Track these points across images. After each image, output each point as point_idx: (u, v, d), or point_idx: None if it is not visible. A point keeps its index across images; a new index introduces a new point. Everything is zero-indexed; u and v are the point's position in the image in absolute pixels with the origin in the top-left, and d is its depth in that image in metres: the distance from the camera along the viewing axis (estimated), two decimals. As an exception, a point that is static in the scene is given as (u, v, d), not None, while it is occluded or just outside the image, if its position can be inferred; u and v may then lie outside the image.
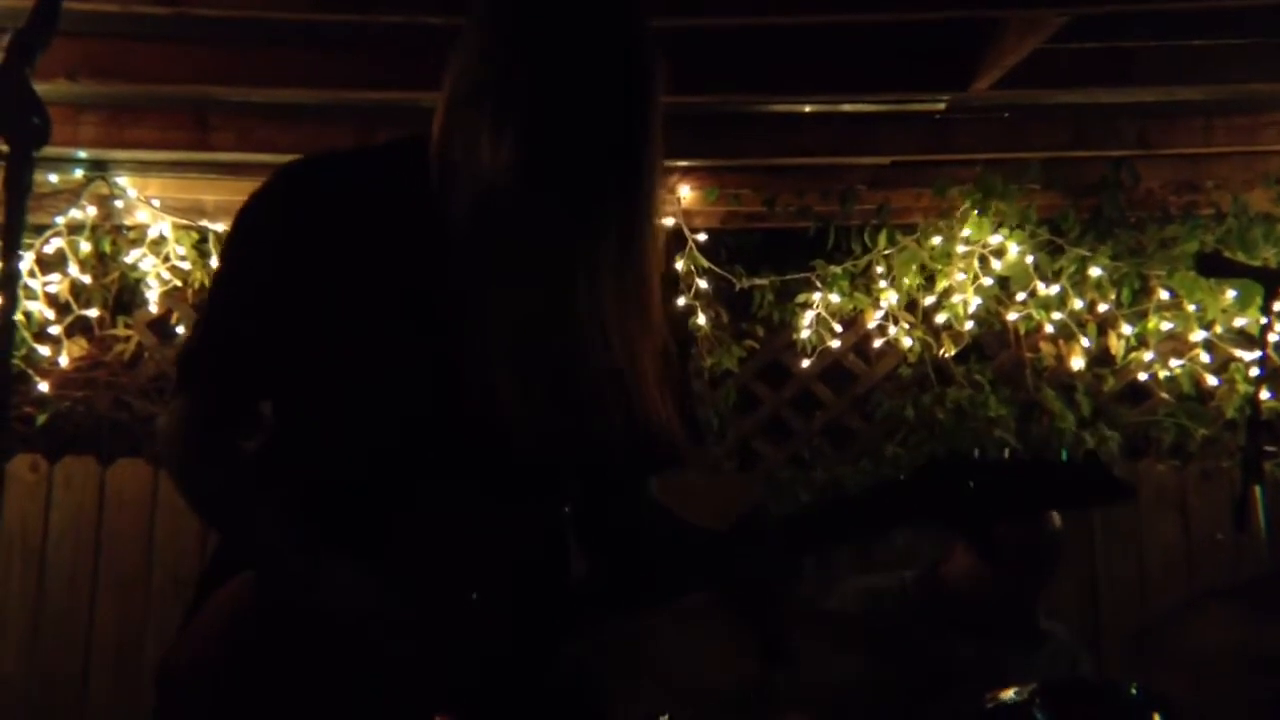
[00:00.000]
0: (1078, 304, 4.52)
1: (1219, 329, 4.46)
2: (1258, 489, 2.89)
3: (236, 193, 4.46)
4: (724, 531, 1.71)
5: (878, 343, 4.65)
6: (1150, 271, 4.52)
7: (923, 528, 1.67)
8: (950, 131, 4.27)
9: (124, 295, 4.57)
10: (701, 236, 4.56)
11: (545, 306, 1.61)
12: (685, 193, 4.48)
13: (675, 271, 2.05)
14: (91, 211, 4.40)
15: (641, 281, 1.65)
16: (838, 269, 4.55)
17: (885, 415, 4.62)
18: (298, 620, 1.61)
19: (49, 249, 4.41)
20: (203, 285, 4.41)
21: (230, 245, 1.77)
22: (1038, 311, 4.51)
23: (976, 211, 4.42)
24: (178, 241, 4.46)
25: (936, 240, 4.51)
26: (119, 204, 4.43)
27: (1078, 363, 4.58)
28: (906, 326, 4.58)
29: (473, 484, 1.66)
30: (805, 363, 4.64)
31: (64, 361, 4.46)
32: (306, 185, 1.70)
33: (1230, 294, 4.37)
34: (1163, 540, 4.57)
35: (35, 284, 4.38)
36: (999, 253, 4.47)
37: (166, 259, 4.46)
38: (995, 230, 4.43)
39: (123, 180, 4.41)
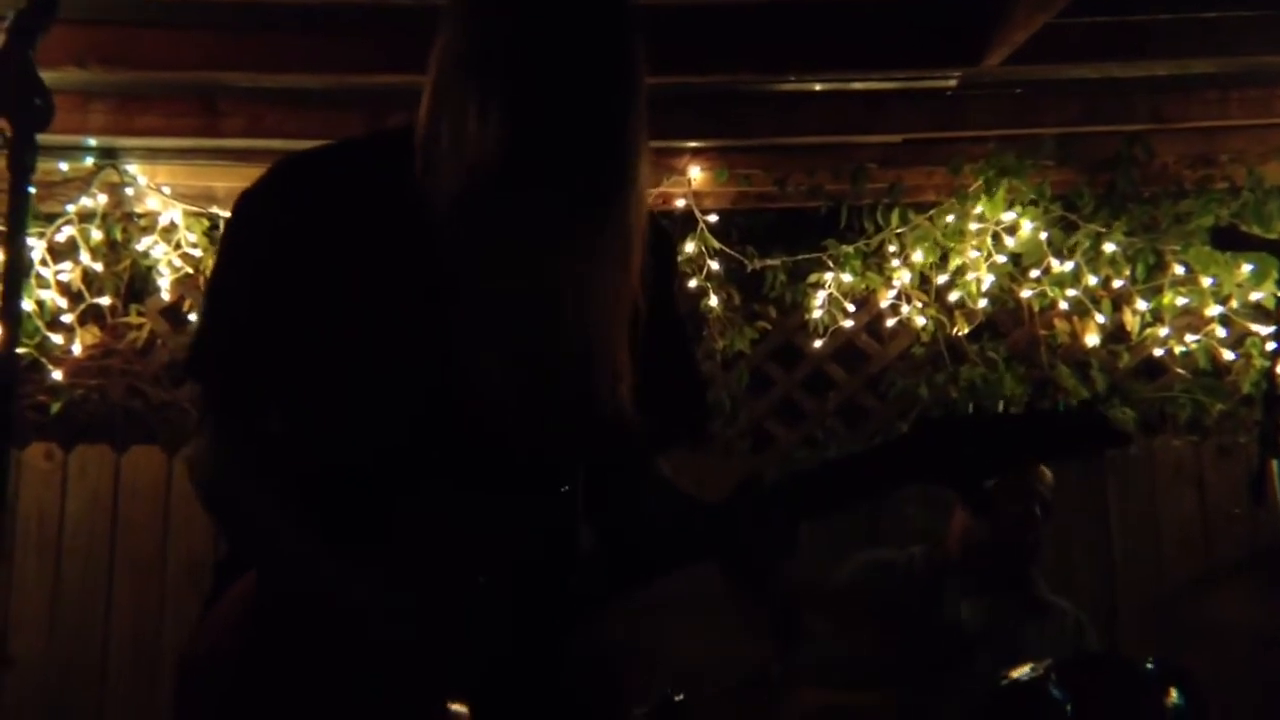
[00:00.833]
0: (1092, 280, 4.49)
1: (1235, 303, 4.43)
2: (1274, 463, 2.87)
3: (246, 179, 4.32)
4: (718, 502, 1.70)
5: (891, 322, 4.63)
6: (1165, 246, 4.49)
7: (918, 487, 1.66)
8: (962, 108, 4.24)
9: (136, 283, 4.57)
10: (712, 218, 4.54)
11: (535, 287, 1.60)
12: (695, 174, 4.46)
13: (674, 254, 2.03)
14: (102, 199, 4.40)
15: (626, 258, 1.63)
16: (850, 248, 4.53)
17: (899, 395, 4.60)
18: (312, 612, 1.61)
19: (60, 237, 4.40)
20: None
21: (224, 247, 1.76)
22: (1052, 288, 4.48)
23: (989, 188, 4.39)
24: (188, 228, 4.46)
25: (949, 218, 4.48)
26: (129, 191, 4.43)
27: (1092, 339, 4.56)
28: (920, 305, 4.56)
29: (473, 473, 1.65)
30: (818, 343, 4.62)
31: (77, 350, 4.46)
32: (297, 182, 1.69)
33: (1246, 268, 4.34)
34: (1179, 516, 4.55)
35: (47, 272, 4.37)
36: (1012, 230, 4.44)
37: (178, 246, 4.46)
38: (1008, 207, 4.40)
39: (133, 168, 4.40)
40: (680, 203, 4.47)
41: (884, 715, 3.20)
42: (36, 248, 4.34)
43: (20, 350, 4.25)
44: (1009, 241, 4.46)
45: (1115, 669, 3.06)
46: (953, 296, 4.54)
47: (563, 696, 1.71)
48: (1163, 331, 4.52)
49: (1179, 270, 4.48)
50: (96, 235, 4.42)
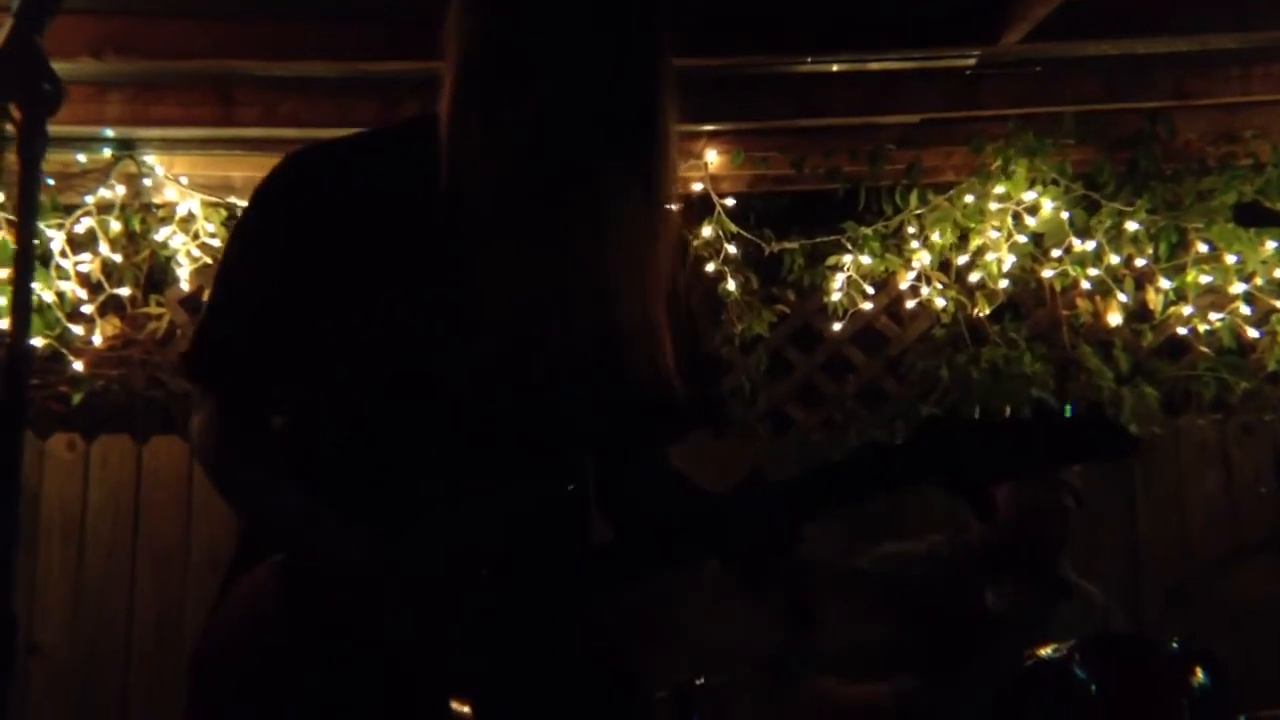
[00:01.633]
0: (1114, 259, 4.45)
1: (1259, 280, 4.39)
2: (1300, 441, 2.85)
3: (263, 169, 4.36)
4: (720, 498, 1.70)
5: (910, 304, 4.60)
6: (1188, 224, 4.45)
7: (921, 489, 1.65)
8: (981, 87, 4.21)
9: (155, 273, 4.57)
10: (729, 201, 4.51)
11: (574, 273, 1.60)
12: (712, 157, 4.43)
13: (687, 238, 2.03)
14: (120, 190, 4.40)
15: (663, 242, 1.65)
16: (868, 230, 4.50)
17: (919, 377, 4.57)
18: (322, 605, 1.61)
19: (79, 229, 4.40)
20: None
21: (236, 236, 1.76)
22: (1074, 268, 4.45)
23: (1009, 168, 4.36)
24: (206, 219, 4.46)
25: (969, 198, 4.45)
26: (147, 182, 4.42)
27: (1115, 319, 4.52)
28: (940, 286, 4.53)
29: (487, 461, 1.66)
30: (837, 326, 4.59)
31: (97, 340, 4.47)
32: (310, 173, 1.69)
33: (1270, 245, 4.31)
34: (1204, 495, 4.52)
35: (67, 264, 4.38)
36: (1033, 209, 4.41)
37: (196, 236, 4.46)
38: (1029, 186, 4.37)
39: (150, 158, 4.40)
40: (697, 186, 4.45)
41: (900, 703, 3.19)
42: (56, 239, 4.35)
43: (41, 342, 4.34)
44: (1030, 221, 4.42)
45: (1139, 649, 3.04)
46: (973, 277, 4.50)
47: (571, 687, 1.71)
48: (1186, 310, 4.48)
49: (1202, 248, 4.44)
50: (115, 226, 4.42)
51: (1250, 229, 4.05)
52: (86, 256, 4.41)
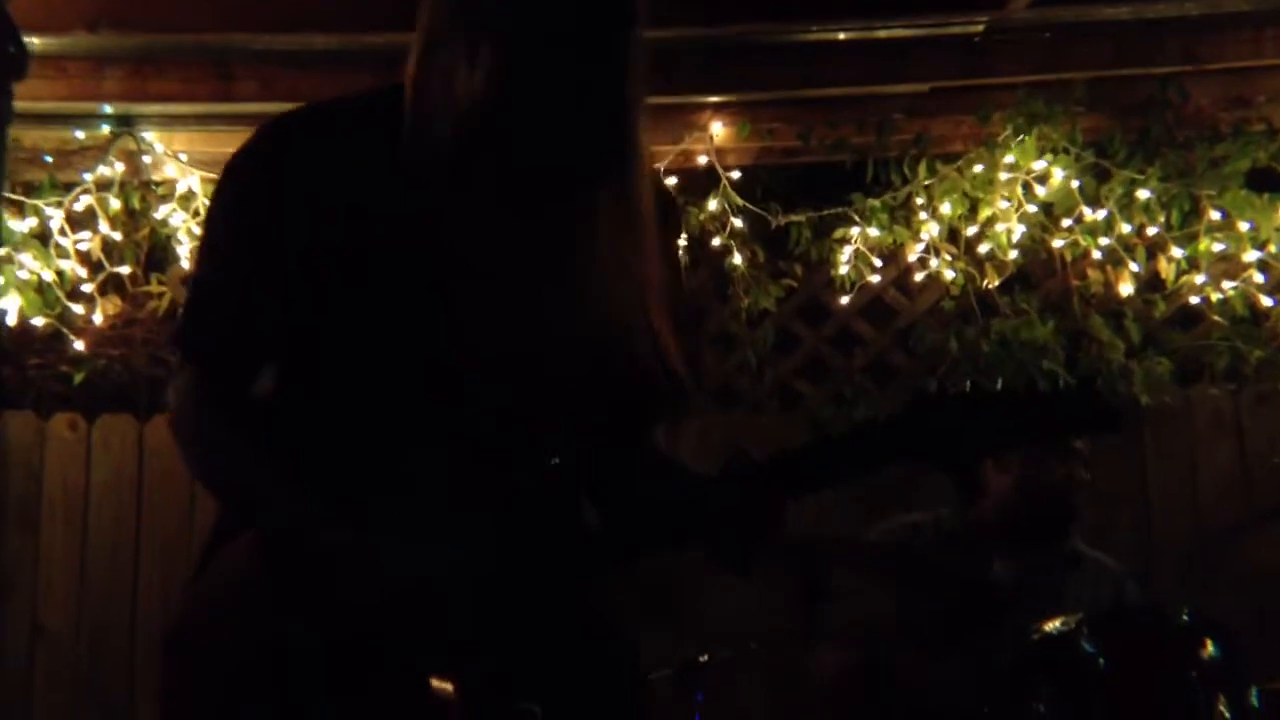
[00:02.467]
0: (1126, 228, 4.38)
1: (1273, 248, 4.32)
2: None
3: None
4: (701, 480, 1.69)
5: (919, 276, 4.53)
6: (1200, 192, 4.37)
7: (910, 467, 1.62)
8: (989, 55, 4.17)
9: (156, 252, 4.54)
10: (735, 174, 4.45)
11: (531, 242, 1.58)
12: (717, 130, 4.38)
13: (678, 211, 2.01)
14: (119, 168, 4.36)
15: (629, 215, 1.61)
16: (876, 202, 4.43)
17: (928, 350, 4.51)
18: (301, 582, 1.59)
19: (78, 206, 4.37)
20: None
21: (212, 211, 1.74)
22: (1084, 237, 4.38)
23: (1019, 136, 4.30)
24: (207, 196, 4.42)
25: (978, 168, 4.38)
26: (147, 159, 4.39)
27: (1127, 288, 4.45)
28: (948, 258, 4.47)
29: (465, 437, 1.63)
30: (844, 299, 4.53)
31: (98, 319, 4.44)
32: (282, 144, 1.67)
33: (1284, 211, 4.24)
34: (1217, 464, 4.46)
35: (66, 242, 4.35)
36: (1043, 178, 4.34)
37: (196, 214, 4.42)
38: (1039, 155, 4.31)
39: (149, 135, 4.36)
40: (702, 159, 4.39)
41: (910, 675, 3.16)
42: (55, 217, 4.32)
43: (42, 321, 4.31)
44: (1040, 190, 4.36)
45: (1148, 621, 3.01)
46: (983, 248, 4.44)
47: (558, 665, 1.68)
48: (1199, 279, 4.41)
49: (1215, 215, 4.36)
50: (115, 204, 4.38)
51: (1263, 195, 3.99)
52: (86, 235, 4.38)
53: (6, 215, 4.21)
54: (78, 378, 4.45)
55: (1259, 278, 4.35)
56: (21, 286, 4.29)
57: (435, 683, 1.55)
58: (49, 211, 4.31)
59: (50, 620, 4.32)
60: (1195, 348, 4.50)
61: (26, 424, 4.45)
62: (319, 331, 1.63)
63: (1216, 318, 4.45)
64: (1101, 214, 4.36)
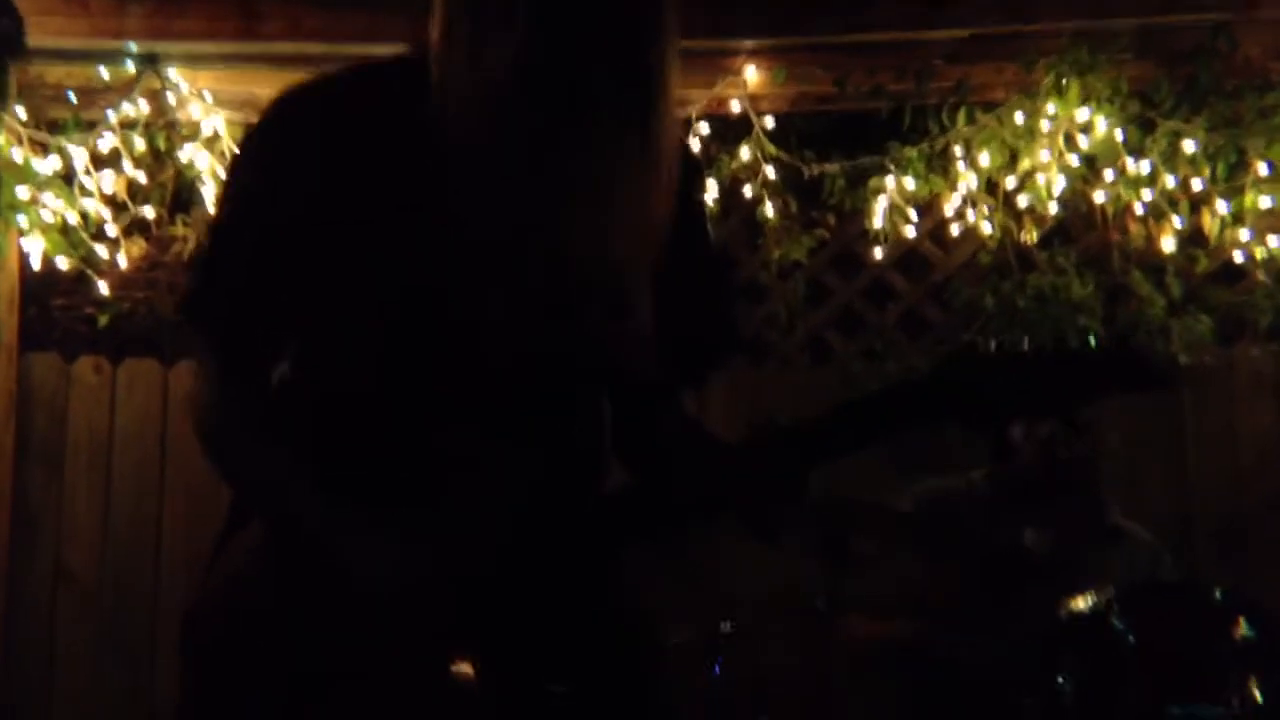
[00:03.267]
0: (1170, 181, 4.26)
1: (1322, 204, 4.20)
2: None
3: (289, 84, 4.34)
4: (727, 447, 1.65)
5: (955, 228, 4.43)
6: (1248, 144, 4.24)
7: (939, 429, 1.56)
8: (1033, 1, 4.03)
9: (181, 193, 4.48)
10: (769, 121, 4.35)
11: (553, 212, 1.52)
12: (751, 75, 4.27)
13: (703, 176, 1.96)
14: (145, 107, 4.30)
15: (653, 182, 1.55)
16: (913, 151, 4.32)
17: (964, 304, 4.43)
18: (316, 566, 1.56)
19: (103, 146, 4.31)
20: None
21: (227, 186, 1.70)
22: (1127, 190, 4.26)
23: (1061, 85, 4.17)
24: (232, 138, 4.36)
25: (1019, 117, 4.26)
26: (171, 99, 4.32)
27: (1169, 243, 4.33)
28: (986, 210, 4.36)
29: (485, 410, 1.59)
30: (878, 251, 4.44)
31: (123, 262, 4.40)
32: (300, 116, 1.61)
33: (1334, 166, 4.12)
34: (1258, 427, 4.39)
35: (90, 183, 4.30)
36: (1086, 129, 4.22)
37: (222, 156, 4.37)
38: (1082, 104, 4.18)
39: (173, 73, 4.29)
40: (735, 106, 4.29)
41: (932, 647, 3.12)
42: (79, 157, 4.26)
43: (66, 263, 4.28)
44: (1082, 141, 4.24)
45: (1180, 598, 2.96)
46: (1022, 201, 4.33)
47: (582, 644, 1.65)
48: (1243, 234, 4.29)
49: (1263, 169, 4.23)
50: (139, 144, 4.33)
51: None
52: (110, 175, 4.33)
53: (30, 154, 4.17)
54: (102, 320, 4.43)
55: (1306, 234, 4.24)
56: (46, 228, 4.25)
57: (456, 666, 1.53)
58: (73, 150, 4.25)
59: (74, 562, 4.33)
60: (1237, 305, 4.40)
61: (51, 366, 4.43)
62: (335, 308, 1.59)
63: (1260, 275, 4.34)
64: (1145, 166, 4.24)
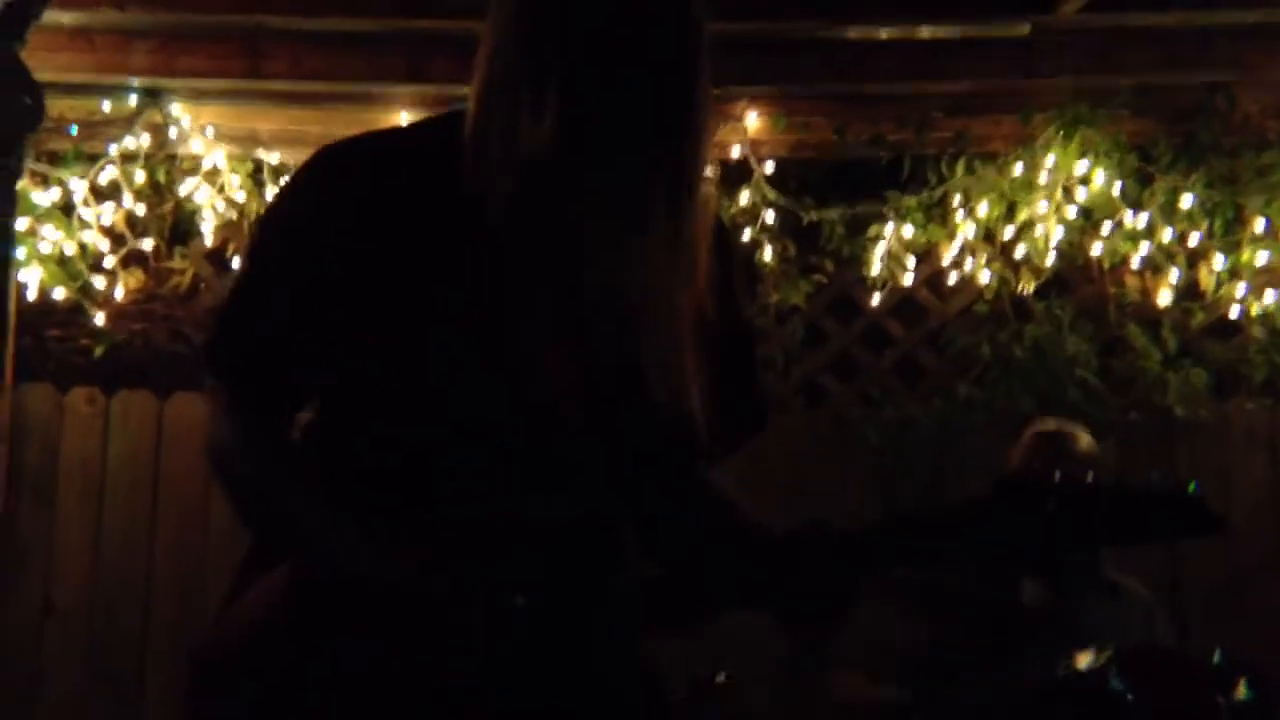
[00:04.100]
0: (1167, 235, 4.29)
1: (1318, 261, 4.23)
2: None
3: (290, 121, 4.37)
4: (779, 539, 1.58)
5: (953, 277, 4.45)
6: (1245, 200, 4.28)
7: (992, 557, 1.53)
8: (1035, 56, 4.06)
9: (180, 226, 4.48)
10: (769, 166, 4.36)
11: (591, 283, 1.53)
12: (752, 120, 4.29)
13: (735, 249, 1.95)
14: (145, 140, 4.30)
15: (689, 253, 1.56)
16: (912, 200, 4.34)
17: (959, 352, 4.44)
18: (337, 611, 1.54)
19: (103, 178, 4.31)
20: (258, 217, 4.31)
21: (263, 228, 1.71)
22: (1124, 243, 4.29)
23: (1062, 137, 4.19)
24: (233, 171, 4.36)
25: (1018, 169, 4.28)
26: (173, 133, 4.32)
27: (1165, 297, 4.36)
28: (984, 260, 4.38)
29: (516, 471, 1.58)
30: (876, 298, 4.46)
31: (120, 294, 4.39)
32: (340, 169, 1.62)
33: (1330, 224, 4.15)
34: (1252, 480, 4.39)
35: (89, 214, 4.30)
36: (1084, 181, 4.24)
37: (221, 190, 4.37)
38: (1081, 158, 4.21)
39: (176, 108, 4.30)
40: (735, 151, 4.31)
41: (922, 710, 3.11)
42: (79, 188, 4.26)
43: (62, 293, 4.27)
44: (1080, 194, 4.26)
45: (1179, 660, 2.96)
46: (1019, 251, 4.35)
47: (599, 696, 1.63)
48: (1239, 289, 4.32)
49: (1259, 226, 4.27)
50: (140, 177, 4.33)
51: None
52: (110, 207, 4.32)
53: (30, 186, 4.17)
54: (98, 351, 4.41)
55: (1302, 290, 4.26)
56: (43, 258, 4.24)
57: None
58: (73, 183, 4.25)
59: (62, 599, 4.29)
60: (1232, 359, 4.42)
61: (45, 396, 4.41)
62: (364, 360, 1.58)
63: (1255, 330, 4.36)
64: (1142, 220, 4.27)
